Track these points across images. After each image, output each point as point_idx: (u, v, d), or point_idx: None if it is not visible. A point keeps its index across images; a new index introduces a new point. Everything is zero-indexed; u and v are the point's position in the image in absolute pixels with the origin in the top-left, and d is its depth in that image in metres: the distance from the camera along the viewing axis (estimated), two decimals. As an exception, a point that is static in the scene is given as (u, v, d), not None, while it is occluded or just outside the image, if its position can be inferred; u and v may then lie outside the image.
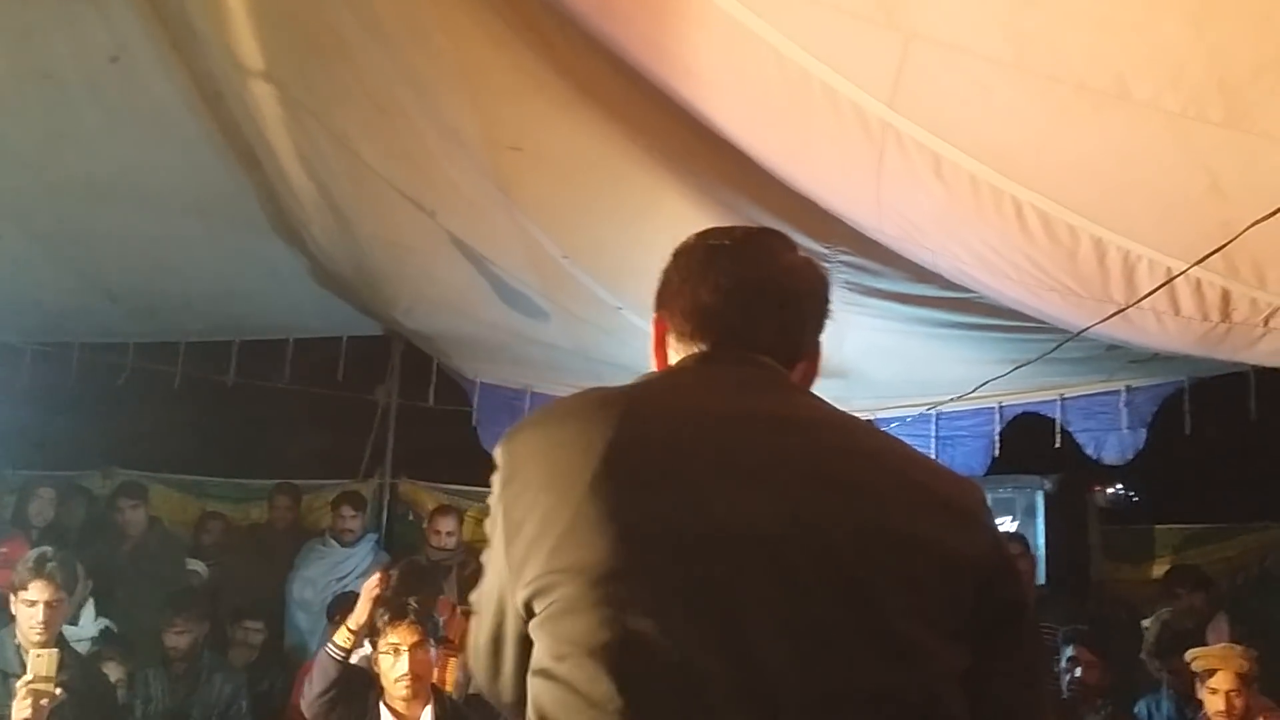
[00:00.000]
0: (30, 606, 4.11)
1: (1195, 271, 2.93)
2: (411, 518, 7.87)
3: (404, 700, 3.97)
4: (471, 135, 4.05)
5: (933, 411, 6.44)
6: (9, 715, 3.76)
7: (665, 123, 3.37)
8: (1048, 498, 7.10)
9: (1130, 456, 5.87)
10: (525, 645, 1.37)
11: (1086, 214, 2.87)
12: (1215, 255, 2.76)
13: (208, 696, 5.13)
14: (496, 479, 1.42)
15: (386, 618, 4.04)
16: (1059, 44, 2.31)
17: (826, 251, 3.83)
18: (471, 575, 5.59)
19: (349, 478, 7.74)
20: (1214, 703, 4.31)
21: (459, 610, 4.96)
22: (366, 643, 4.27)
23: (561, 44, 3.26)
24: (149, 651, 5.23)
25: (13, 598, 4.19)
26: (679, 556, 1.28)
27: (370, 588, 4.26)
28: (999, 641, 1.38)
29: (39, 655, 3.85)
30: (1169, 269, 2.99)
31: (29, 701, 3.75)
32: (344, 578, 6.35)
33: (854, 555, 1.30)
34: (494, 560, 1.41)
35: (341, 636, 4.19)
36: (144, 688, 4.92)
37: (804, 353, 1.55)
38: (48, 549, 4.37)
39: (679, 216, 3.88)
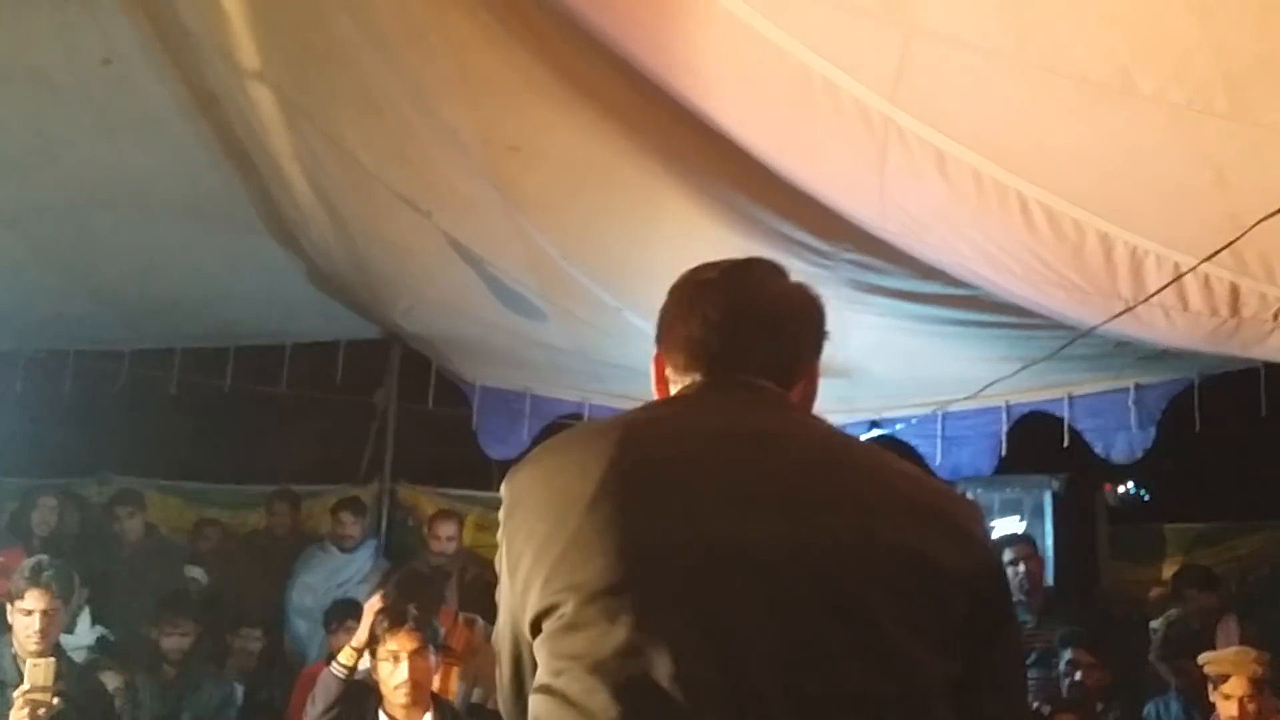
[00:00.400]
0: (27, 615, 4.10)
1: (1203, 267, 2.90)
2: (411, 523, 7.83)
3: (403, 708, 3.94)
4: (469, 136, 4.02)
5: (939, 411, 6.41)
6: (7, 725, 3.75)
7: (665, 121, 3.35)
8: (1056, 498, 7.05)
9: (1139, 455, 5.84)
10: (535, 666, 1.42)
11: (1092, 208, 2.85)
12: (1224, 251, 2.73)
13: (196, 705, 5.11)
14: (502, 514, 1.48)
15: (386, 625, 4.02)
16: (1061, 37, 2.29)
17: (830, 249, 3.81)
18: (472, 581, 5.60)
19: (348, 483, 7.71)
20: (1227, 709, 4.26)
21: (460, 619, 4.93)
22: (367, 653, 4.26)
23: (559, 43, 3.24)
24: (145, 659, 5.20)
25: (9, 607, 4.18)
26: (674, 571, 1.33)
27: (373, 606, 4.26)
28: (986, 653, 1.42)
29: (36, 664, 3.84)
30: (1176, 264, 2.96)
31: (26, 711, 3.72)
32: (344, 584, 6.33)
33: (845, 568, 1.34)
34: (504, 595, 1.47)
35: (345, 655, 4.22)
36: (131, 694, 4.88)
37: (799, 375, 1.60)
38: (44, 558, 4.36)
39: (680, 216, 3.86)
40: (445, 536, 6.40)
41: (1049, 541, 6.79)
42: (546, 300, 5.36)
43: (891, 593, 1.34)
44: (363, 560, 6.58)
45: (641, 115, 3.41)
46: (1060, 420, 5.94)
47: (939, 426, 6.47)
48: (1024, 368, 5.02)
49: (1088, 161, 2.71)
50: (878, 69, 2.62)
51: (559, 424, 6.86)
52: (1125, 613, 6.66)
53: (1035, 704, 5.33)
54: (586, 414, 6.96)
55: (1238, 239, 2.65)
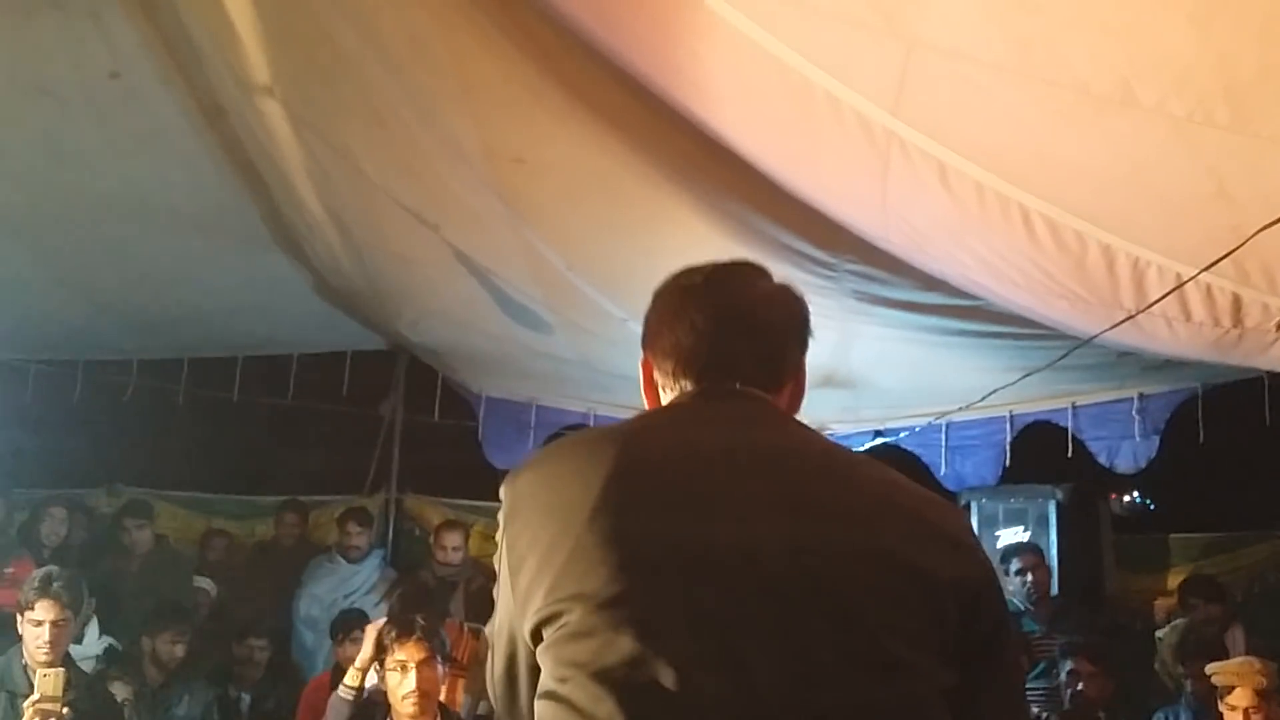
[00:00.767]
0: (37, 626, 4.12)
1: (1205, 277, 2.90)
2: (418, 533, 7.84)
3: (412, 718, 3.94)
4: (474, 148, 4.04)
5: (943, 421, 6.41)
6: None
7: (669, 134, 3.36)
8: (1060, 507, 7.03)
9: (1143, 465, 5.83)
10: (536, 675, 1.44)
11: (1093, 220, 2.86)
12: (1225, 260, 2.74)
13: (184, 712, 5.12)
14: (501, 516, 1.49)
15: (394, 635, 4.02)
16: (1062, 50, 2.30)
17: (833, 261, 3.81)
18: (478, 591, 5.60)
19: (354, 493, 7.72)
20: (1233, 719, 4.26)
21: (466, 630, 4.93)
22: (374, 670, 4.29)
23: (563, 56, 3.25)
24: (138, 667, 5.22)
25: (19, 618, 4.19)
26: (677, 581, 1.35)
27: (375, 626, 4.31)
28: (983, 661, 1.43)
29: (46, 675, 3.86)
30: (1178, 274, 2.96)
31: (37, 721, 3.74)
32: (350, 594, 6.32)
33: (842, 577, 1.37)
34: (502, 595, 1.48)
35: (351, 677, 4.29)
36: (141, 704, 4.89)
37: (788, 376, 1.63)
38: (53, 568, 4.38)
39: (684, 227, 3.87)
40: (451, 547, 6.40)
41: (1053, 551, 6.77)
42: (551, 311, 5.37)
43: (889, 602, 1.36)
44: (369, 571, 6.57)
45: (645, 128, 3.42)
46: (1064, 430, 5.94)
47: (943, 436, 6.46)
48: (1026, 376, 5.01)
49: (1089, 173, 2.72)
50: (879, 82, 2.63)
51: (565, 434, 6.86)
52: (1131, 622, 6.65)
53: (1039, 714, 5.33)
54: (592, 424, 6.96)
55: (1238, 248, 2.65)
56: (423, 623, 4.07)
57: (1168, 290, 3.04)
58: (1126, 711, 5.29)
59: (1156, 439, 5.70)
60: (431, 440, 7.81)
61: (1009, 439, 6.20)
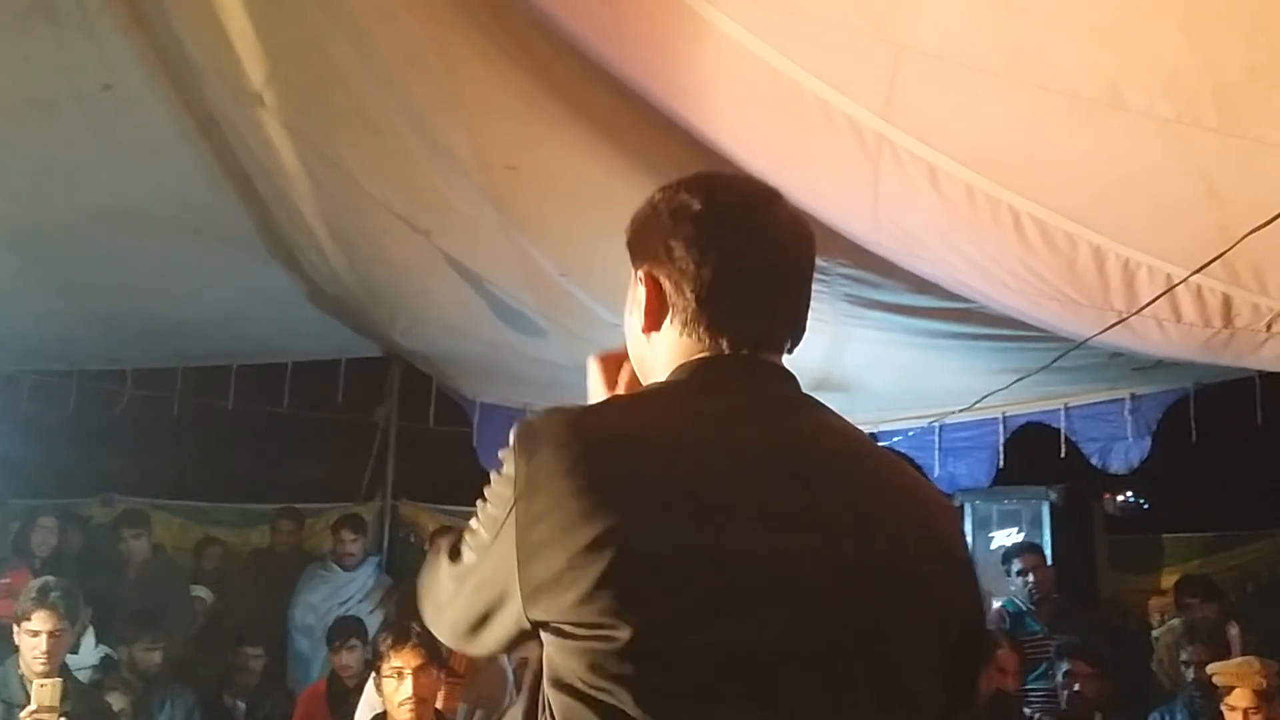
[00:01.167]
0: (34, 637, 4.12)
1: (1195, 278, 2.92)
2: (413, 540, 7.83)
3: (407, 725, 3.93)
4: (466, 155, 4.05)
5: (936, 423, 6.41)
6: (14, 746, 3.76)
7: (661, 139, 3.37)
8: (1053, 508, 7.06)
9: (1136, 465, 5.83)
10: (519, 633, 1.33)
11: (1084, 222, 2.87)
12: (1215, 261, 2.75)
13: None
14: (513, 483, 1.33)
15: (390, 641, 4.01)
16: (1051, 53, 2.31)
17: (825, 265, 3.82)
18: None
19: (349, 501, 7.71)
20: (1233, 719, 4.27)
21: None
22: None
23: (554, 64, 3.26)
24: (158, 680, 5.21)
25: (16, 628, 4.19)
26: (723, 608, 1.25)
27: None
28: (964, 684, 1.40)
29: (42, 685, 3.85)
30: (1169, 275, 2.98)
31: (33, 731, 3.73)
32: (345, 602, 6.32)
33: (874, 602, 1.29)
34: (499, 564, 1.33)
35: None
36: (138, 715, 4.88)
37: (805, 327, 1.47)
38: (50, 579, 4.38)
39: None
40: (447, 553, 6.39)
41: (1047, 552, 6.80)
42: (545, 317, 5.38)
43: (910, 631, 1.31)
44: (364, 578, 6.57)
45: (637, 133, 3.43)
46: (1057, 431, 5.95)
47: (936, 438, 6.46)
48: (1019, 379, 5.03)
49: (1079, 176, 2.73)
50: (869, 86, 2.64)
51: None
52: (1126, 622, 6.67)
53: (1036, 715, 5.35)
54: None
55: (1228, 250, 2.66)
56: (419, 629, 4.06)
57: (1159, 292, 3.05)
58: (1123, 712, 5.30)
59: (1149, 439, 5.71)
60: (426, 447, 7.79)
61: (1002, 440, 6.20)
